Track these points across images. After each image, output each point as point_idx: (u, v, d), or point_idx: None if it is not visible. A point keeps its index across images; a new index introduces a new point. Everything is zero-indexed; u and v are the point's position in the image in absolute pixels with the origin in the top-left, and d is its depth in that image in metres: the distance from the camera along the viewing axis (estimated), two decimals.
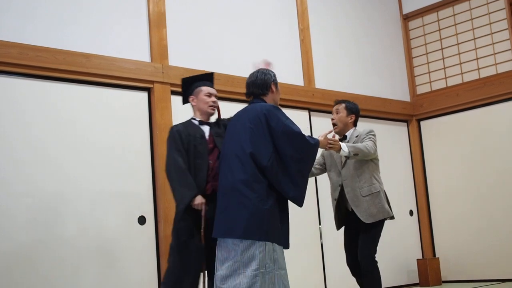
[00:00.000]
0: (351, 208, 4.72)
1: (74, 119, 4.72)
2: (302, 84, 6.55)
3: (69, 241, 4.56)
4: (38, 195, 4.44)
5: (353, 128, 4.92)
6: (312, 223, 6.39)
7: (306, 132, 6.31)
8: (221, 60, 5.82)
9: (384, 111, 7.35)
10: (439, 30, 7.74)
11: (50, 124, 4.59)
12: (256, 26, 6.25)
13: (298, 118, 6.32)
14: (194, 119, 4.20)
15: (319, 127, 6.56)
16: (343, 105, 4.93)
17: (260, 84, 4.12)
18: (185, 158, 4.01)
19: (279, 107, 4.05)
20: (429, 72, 7.82)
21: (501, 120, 7.04)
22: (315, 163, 4.69)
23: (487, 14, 7.30)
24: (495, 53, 7.21)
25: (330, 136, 4.30)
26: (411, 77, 7.93)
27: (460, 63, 7.50)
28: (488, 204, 7.05)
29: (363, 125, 6.92)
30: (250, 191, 3.81)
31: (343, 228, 4.87)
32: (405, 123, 7.75)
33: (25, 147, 4.44)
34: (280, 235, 3.84)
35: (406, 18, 8.07)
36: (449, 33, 7.64)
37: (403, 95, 7.76)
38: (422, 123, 7.77)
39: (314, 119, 6.57)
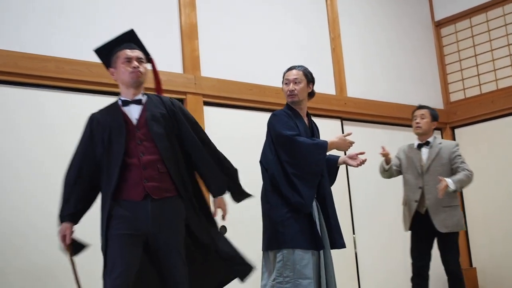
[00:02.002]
0: (424, 212, 4.90)
1: None
2: (334, 93, 6.53)
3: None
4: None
5: (433, 135, 5.13)
6: (345, 232, 6.32)
7: None
8: (253, 70, 5.82)
9: None
10: (472, 36, 7.66)
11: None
12: (286, 36, 6.25)
13: (331, 127, 6.32)
14: (119, 99, 3.46)
15: (351, 136, 6.51)
16: (427, 110, 5.16)
17: None
18: (86, 157, 3.36)
19: (288, 113, 4.07)
20: (462, 79, 7.74)
21: None
22: (393, 164, 5.03)
23: None
24: None
25: (349, 138, 4.18)
26: (445, 84, 7.86)
27: (495, 70, 7.41)
28: None
29: (398, 134, 6.94)
30: (265, 202, 3.98)
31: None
32: (439, 131, 7.67)
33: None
34: (301, 239, 3.80)
35: (438, 25, 8.00)
36: (483, 39, 7.55)
37: (436, 102, 7.68)
38: (456, 131, 7.68)
39: (346, 128, 6.54)
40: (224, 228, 4.65)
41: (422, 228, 5.00)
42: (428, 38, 7.93)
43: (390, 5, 7.55)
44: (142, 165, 3.27)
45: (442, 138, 7.66)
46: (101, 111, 3.47)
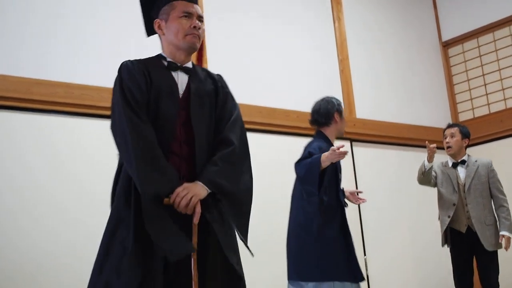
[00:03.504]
0: (466, 230, 4.94)
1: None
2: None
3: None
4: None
5: (466, 153, 5.15)
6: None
7: (348, 162, 6.31)
8: (262, 93, 5.85)
9: (428, 139, 7.27)
10: (480, 56, 7.68)
11: (93, 160, 4.64)
12: (295, 58, 6.28)
13: None
14: (164, 57, 2.74)
15: (361, 157, 6.54)
16: (457, 128, 5.16)
17: (323, 113, 4.20)
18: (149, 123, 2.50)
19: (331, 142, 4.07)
20: (471, 99, 7.74)
21: None
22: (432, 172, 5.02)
23: None
24: None
25: (343, 149, 3.83)
26: (453, 104, 7.86)
27: (503, 89, 7.41)
28: None
29: (408, 154, 6.94)
30: (301, 234, 4.05)
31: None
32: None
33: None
34: (342, 271, 3.88)
35: (446, 45, 8.03)
36: (490, 59, 7.57)
37: (445, 122, 7.62)
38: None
39: (356, 149, 6.54)
40: None
41: (463, 246, 5.02)
42: (436, 58, 7.95)
43: (397, 26, 7.58)
44: (183, 157, 2.57)
45: None
46: (141, 61, 2.68)
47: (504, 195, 5.07)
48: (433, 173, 5.14)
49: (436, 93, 7.78)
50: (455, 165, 5.16)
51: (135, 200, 2.42)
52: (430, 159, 4.93)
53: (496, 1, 7.51)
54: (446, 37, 8.03)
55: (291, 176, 5.74)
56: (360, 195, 4.34)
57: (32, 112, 4.42)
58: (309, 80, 6.31)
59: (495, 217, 5.03)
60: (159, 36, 2.77)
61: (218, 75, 2.87)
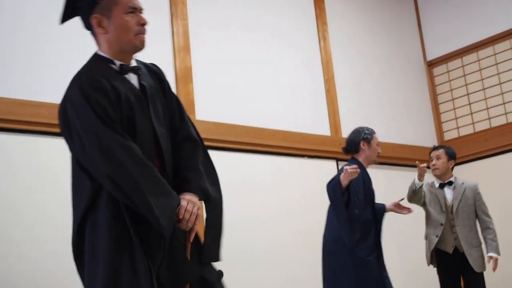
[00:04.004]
0: (453, 250, 4.98)
1: None
2: (329, 134, 6.54)
3: None
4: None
5: (453, 175, 5.21)
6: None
7: None
8: (248, 113, 5.84)
9: (413, 159, 7.28)
10: (464, 75, 7.72)
11: None
12: (281, 78, 6.28)
13: (326, 168, 6.31)
14: (111, 61, 2.39)
15: None
16: (443, 150, 5.22)
17: (351, 142, 4.70)
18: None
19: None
20: (456, 118, 7.78)
21: None
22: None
23: None
24: None
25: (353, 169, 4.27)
26: (438, 123, 7.89)
27: (487, 108, 7.45)
28: None
29: (393, 173, 6.94)
30: (344, 260, 4.38)
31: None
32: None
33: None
34: None
35: (431, 64, 8.07)
36: (475, 78, 7.61)
37: (431, 141, 7.70)
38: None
39: None
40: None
41: (451, 267, 5.05)
42: (421, 78, 7.99)
43: (382, 45, 7.62)
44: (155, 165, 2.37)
45: None
46: (93, 71, 2.35)
47: (489, 217, 5.14)
48: (422, 191, 5.16)
49: (421, 112, 7.82)
50: (442, 186, 5.20)
51: (135, 230, 2.20)
52: (421, 177, 4.95)
53: (480, 21, 7.57)
54: (430, 56, 8.07)
55: (278, 196, 5.75)
56: (403, 210, 4.71)
57: (18, 133, 4.38)
58: (295, 100, 6.32)
59: (480, 239, 5.09)
60: (95, 33, 2.42)
61: (155, 65, 2.61)
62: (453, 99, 7.82)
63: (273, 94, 6.13)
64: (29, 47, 4.58)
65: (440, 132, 7.88)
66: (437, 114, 7.94)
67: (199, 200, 2.38)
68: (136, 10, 2.39)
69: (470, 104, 7.63)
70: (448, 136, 7.82)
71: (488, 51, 7.51)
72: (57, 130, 4.45)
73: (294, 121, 6.19)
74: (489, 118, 7.43)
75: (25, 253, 4.14)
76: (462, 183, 5.19)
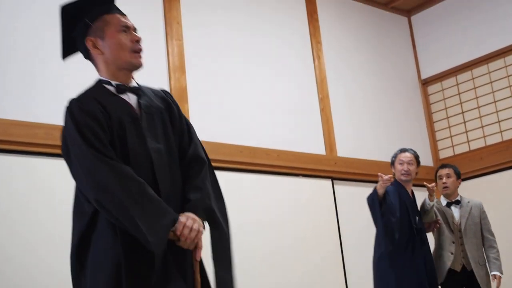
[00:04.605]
0: (461, 268, 5.00)
1: None
2: (324, 153, 6.55)
3: None
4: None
5: (459, 194, 5.30)
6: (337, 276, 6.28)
7: (329, 201, 6.31)
8: (243, 132, 5.85)
9: None
10: (459, 94, 7.74)
11: None
12: (275, 97, 6.30)
13: (321, 187, 6.32)
14: (109, 82, 2.41)
15: (342, 195, 6.52)
16: (452, 169, 5.28)
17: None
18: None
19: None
20: (451, 136, 7.79)
21: None
22: None
23: (506, 76, 7.30)
24: None
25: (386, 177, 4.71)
26: (433, 141, 7.91)
27: (482, 126, 7.47)
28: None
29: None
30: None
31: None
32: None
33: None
34: None
35: (425, 83, 8.10)
36: (469, 97, 7.63)
37: (426, 160, 7.72)
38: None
39: (337, 187, 6.54)
40: None
41: (457, 285, 5.05)
42: (415, 96, 8.01)
43: (377, 64, 7.65)
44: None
45: None
46: (87, 95, 2.37)
47: (493, 236, 5.19)
48: (434, 210, 5.20)
49: (416, 131, 7.83)
50: (449, 205, 5.24)
51: (127, 254, 2.17)
52: (431, 198, 4.97)
53: (473, 40, 7.61)
54: (425, 75, 8.10)
55: (272, 215, 5.74)
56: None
57: (13, 154, 4.39)
58: (290, 119, 6.33)
59: (484, 257, 5.12)
60: (92, 57, 2.45)
61: (163, 90, 2.62)
62: (448, 118, 7.84)
63: (267, 113, 6.15)
64: (25, 68, 4.60)
65: (435, 150, 7.89)
66: (432, 132, 7.95)
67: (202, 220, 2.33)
68: (128, 28, 2.41)
69: (465, 122, 7.65)
70: (443, 154, 7.83)
71: (482, 69, 7.54)
72: (53, 150, 4.52)
73: (289, 140, 6.20)
74: (484, 137, 7.44)
75: (23, 268, 4.17)
76: (468, 202, 5.25)
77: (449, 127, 7.81)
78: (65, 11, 2.42)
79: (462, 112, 7.68)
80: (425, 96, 8.08)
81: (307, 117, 6.56)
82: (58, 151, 4.47)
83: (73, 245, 2.29)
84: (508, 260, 6.82)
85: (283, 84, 6.45)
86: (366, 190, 6.77)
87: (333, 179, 6.53)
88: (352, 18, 7.57)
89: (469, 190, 7.38)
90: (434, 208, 5.16)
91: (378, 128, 7.34)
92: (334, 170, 6.52)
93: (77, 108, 2.28)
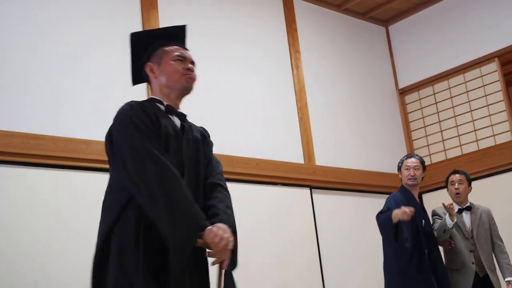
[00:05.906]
0: (475, 273, 4.99)
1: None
2: (303, 162, 6.57)
3: None
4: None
5: (468, 200, 5.27)
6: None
7: (308, 209, 6.32)
8: (221, 141, 5.82)
9: (386, 186, 7.34)
10: (436, 103, 7.82)
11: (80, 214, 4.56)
12: (254, 106, 6.32)
13: (300, 196, 6.33)
14: (160, 101, 2.64)
15: (321, 204, 6.54)
16: (464, 176, 5.26)
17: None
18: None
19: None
20: (428, 145, 7.85)
21: (503, 191, 7.01)
22: None
23: (482, 86, 7.39)
24: (493, 124, 7.24)
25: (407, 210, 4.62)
26: (411, 150, 7.96)
27: (459, 135, 7.54)
28: None
29: (365, 201, 6.96)
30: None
31: None
32: None
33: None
34: None
35: (402, 92, 8.17)
36: (446, 106, 7.71)
37: None
38: (423, 196, 7.73)
39: (315, 196, 6.56)
40: None
41: None
42: (393, 105, 8.07)
43: (355, 73, 7.70)
44: None
45: None
46: (143, 103, 2.55)
47: (503, 242, 5.19)
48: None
49: (393, 140, 7.88)
50: (460, 211, 5.20)
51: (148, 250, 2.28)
52: (453, 217, 4.90)
53: (451, 49, 7.69)
54: (402, 84, 8.17)
55: (251, 224, 5.74)
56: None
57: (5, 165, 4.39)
58: (268, 128, 6.34)
59: (495, 263, 5.14)
60: (150, 80, 2.69)
61: (203, 127, 2.88)
62: (425, 126, 7.91)
63: (246, 122, 6.16)
64: (18, 80, 4.59)
65: None
66: (409, 141, 8.01)
67: None
68: (185, 59, 2.67)
69: (441, 131, 7.72)
70: None
71: (459, 79, 7.62)
72: (46, 161, 4.50)
73: (268, 149, 6.21)
74: (461, 145, 7.51)
75: (26, 279, 4.18)
76: (478, 208, 5.24)
77: (426, 136, 7.88)
78: (134, 36, 2.72)
79: (439, 121, 7.75)
80: (403, 105, 8.14)
81: (286, 126, 6.58)
82: (35, 160, 4.51)
83: (100, 236, 2.36)
84: None
85: (262, 93, 6.47)
86: (344, 198, 6.85)
87: (311, 187, 6.55)
88: (330, 27, 7.61)
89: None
90: (442, 216, 5.12)
91: (356, 137, 7.38)
92: (313, 179, 6.54)
93: (139, 107, 2.46)
